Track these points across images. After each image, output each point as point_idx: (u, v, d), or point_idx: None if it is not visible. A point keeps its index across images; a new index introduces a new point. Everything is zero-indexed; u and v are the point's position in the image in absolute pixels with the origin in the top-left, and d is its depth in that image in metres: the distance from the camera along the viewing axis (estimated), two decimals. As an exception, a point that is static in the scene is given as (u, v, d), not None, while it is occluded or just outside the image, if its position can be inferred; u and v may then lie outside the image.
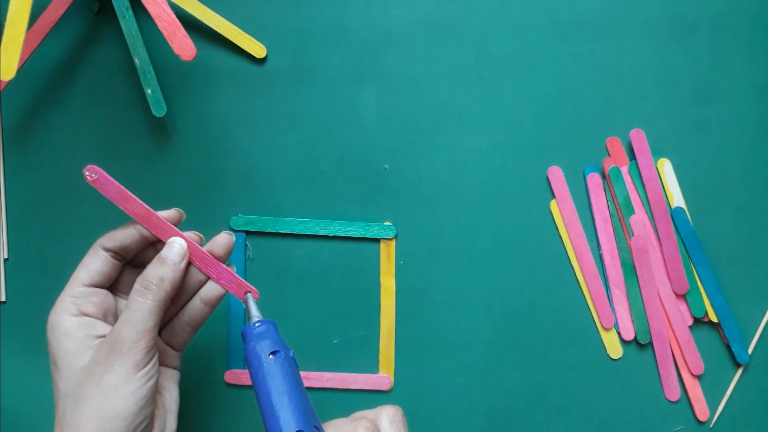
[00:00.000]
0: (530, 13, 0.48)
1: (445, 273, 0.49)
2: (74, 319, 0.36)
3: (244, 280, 0.39)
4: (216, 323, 0.49)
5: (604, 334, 0.48)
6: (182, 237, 0.39)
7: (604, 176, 0.48)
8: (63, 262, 0.49)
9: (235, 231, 0.48)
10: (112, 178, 0.38)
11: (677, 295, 0.48)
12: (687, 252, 0.48)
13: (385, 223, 0.48)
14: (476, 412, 0.49)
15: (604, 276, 0.48)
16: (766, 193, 0.48)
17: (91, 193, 0.49)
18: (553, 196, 0.48)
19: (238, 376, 0.48)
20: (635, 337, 0.48)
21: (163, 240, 0.38)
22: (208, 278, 0.40)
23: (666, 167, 0.48)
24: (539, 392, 0.49)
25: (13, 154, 0.49)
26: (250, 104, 0.49)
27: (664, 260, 0.48)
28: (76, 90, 0.49)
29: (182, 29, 0.42)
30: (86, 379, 0.34)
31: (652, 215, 0.48)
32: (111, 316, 0.38)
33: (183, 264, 0.38)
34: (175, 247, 0.38)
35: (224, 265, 0.40)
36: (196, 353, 0.49)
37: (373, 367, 0.49)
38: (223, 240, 0.40)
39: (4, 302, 0.49)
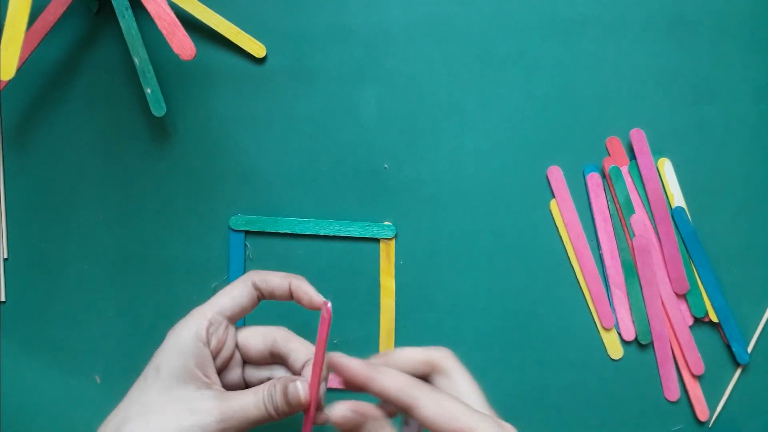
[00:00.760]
0: (530, 13, 0.48)
1: (445, 273, 0.49)
2: (197, 345, 0.36)
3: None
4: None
5: (604, 335, 0.48)
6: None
7: (604, 176, 0.48)
8: (63, 262, 0.49)
9: (234, 231, 0.48)
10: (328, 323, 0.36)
11: (677, 295, 0.48)
12: (687, 252, 0.48)
13: (384, 223, 0.48)
14: (476, 412, 0.49)
15: (605, 276, 0.48)
16: (766, 193, 0.48)
17: (90, 193, 0.49)
18: (553, 196, 0.48)
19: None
20: (636, 338, 0.48)
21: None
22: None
23: (666, 167, 0.48)
24: (539, 392, 0.49)
25: (12, 154, 0.49)
26: (249, 104, 0.49)
27: (665, 260, 0.48)
28: (75, 90, 0.49)
29: (182, 29, 0.42)
30: (178, 408, 0.34)
31: (652, 215, 0.48)
32: (219, 354, 0.38)
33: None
34: (300, 396, 0.36)
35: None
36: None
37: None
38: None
39: (4, 302, 0.49)
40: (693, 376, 0.48)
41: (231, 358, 0.39)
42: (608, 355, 0.49)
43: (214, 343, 0.37)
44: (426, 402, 0.31)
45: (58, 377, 0.49)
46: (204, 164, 0.49)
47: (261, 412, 0.35)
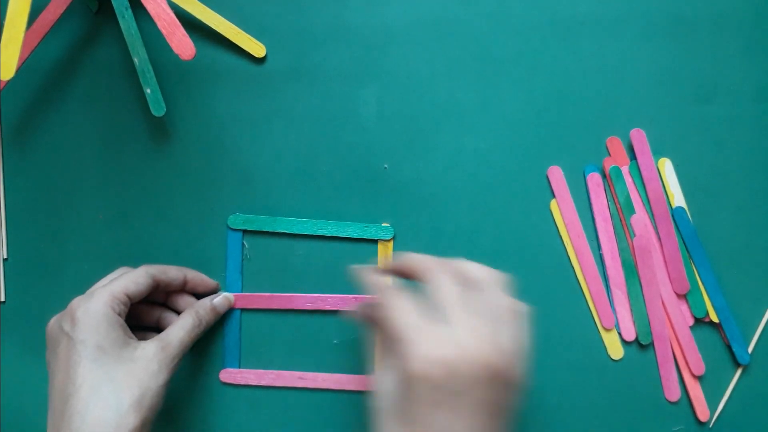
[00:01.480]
0: (530, 13, 0.48)
1: (445, 273, 0.48)
2: (117, 318, 0.40)
3: None
4: (215, 323, 0.49)
5: (604, 335, 0.48)
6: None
7: (604, 176, 0.48)
8: (63, 262, 0.49)
9: (232, 230, 0.48)
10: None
11: (678, 295, 0.48)
12: (688, 252, 0.48)
13: (383, 225, 0.48)
14: (476, 413, 0.49)
15: (605, 276, 0.48)
16: (766, 193, 0.48)
17: (90, 193, 0.49)
18: (554, 196, 0.48)
19: (234, 375, 0.48)
20: (636, 338, 0.48)
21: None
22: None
23: (667, 167, 0.48)
24: (539, 392, 0.49)
25: (12, 154, 0.49)
26: (249, 104, 0.49)
27: (665, 260, 0.48)
28: (75, 90, 0.49)
29: (181, 29, 0.42)
30: (135, 368, 0.39)
31: (652, 215, 0.48)
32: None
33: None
34: (226, 304, 0.48)
35: None
36: (191, 353, 0.49)
37: (371, 368, 0.49)
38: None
39: (4, 302, 0.49)
40: (693, 376, 0.48)
41: None
42: (608, 356, 0.48)
43: (122, 318, 0.42)
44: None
45: (58, 377, 0.49)
46: (203, 164, 0.49)
47: (192, 333, 0.43)
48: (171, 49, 0.42)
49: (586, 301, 0.48)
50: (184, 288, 0.46)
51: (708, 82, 0.48)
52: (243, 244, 0.49)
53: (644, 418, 0.48)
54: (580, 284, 0.48)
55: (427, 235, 0.49)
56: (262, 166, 0.49)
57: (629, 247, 0.48)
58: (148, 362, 0.40)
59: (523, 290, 0.49)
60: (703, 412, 0.48)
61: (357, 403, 0.49)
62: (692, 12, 0.48)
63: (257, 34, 0.48)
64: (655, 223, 0.48)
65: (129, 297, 0.42)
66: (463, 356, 0.32)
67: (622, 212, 0.48)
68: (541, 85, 0.48)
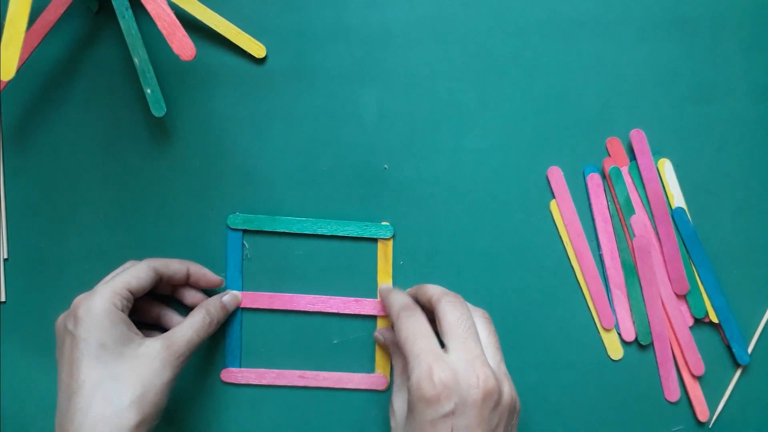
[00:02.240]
0: (530, 13, 0.48)
1: (445, 273, 0.49)
2: (121, 314, 0.40)
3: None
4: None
5: (604, 335, 0.48)
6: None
7: (604, 176, 0.48)
8: (63, 262, 0.49)
9: (232, 230, 0.48)
10: None
11: (678, 296, 0.48)
12: (687, 252, 0.48)
13: (382, 223, 0.48)
14: (476, 413, 0.49)
15: (605, 277, 0.48)
16: (766, 193, 0.48)
17: (90, 193, 0.49)
18: (553, 196, 0.48)
19: (234, 374, 0.48)
20: (636, 338, 0.48)
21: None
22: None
23: (666, 167, 0.48)
24: (539, 392, 0.49)
25: (12, 154, 0.49)
26: (249, 104, 0.49)
27: (665, 261, 0.48)
28: (75, 90, 0.49)
29: (182, 29, 0.42)
30: (146, 369, 0.40)
31: (652, 215, 0.48)
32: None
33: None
34: (235, 302, 0.48)
35: None
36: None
37: (371, 367, 0.49)
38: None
39: (4, 302, 0.49)
40: (693, 376, 0.48)
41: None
42: (608, 356, 0.48)
43: (126, 314, 0.41)
44: (401, 322, 0.40)
45: (58, 377, 0.49)
46: (203, 164, 0.49)
47: (200, 332, 0.43)
48: (171, 50, 0.42)
49: (586, 302, 0.49)
50: (188, 282, 0.46)
51: (708, 82, 0.48)
52: (243, 244, 0.49)
53: (644, 418, 0.48)
54: (579, 284, 0.48)
55: (427, 234, 0.49)
56: (262, 166, 0.49)
57: (629, 248, 0.48)
58: (152, 360, 0.40)
59: (523, 290, 0.49)
60: (702, 412, 0.48)
61: (358, 402, 0.49)
62: (692, 12, 0.48)
63: (257, 35, 0.48)
64: (654, 223, 0.48)
65: (131, 292, 0.41)
66: (455, 379, 0.35)
67: (621, 213, 0.48)
68: (540, 85, 0.48)
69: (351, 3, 0.48)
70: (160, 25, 0.42)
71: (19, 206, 0.49)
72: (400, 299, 0.42)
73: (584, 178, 0.48)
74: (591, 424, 0.48)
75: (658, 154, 0.48)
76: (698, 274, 0.48)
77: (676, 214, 0.48)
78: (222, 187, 0.49)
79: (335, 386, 0.48)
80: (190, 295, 0.47)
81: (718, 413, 0.48)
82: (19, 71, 0.48)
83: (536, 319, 0.49)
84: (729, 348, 0.48)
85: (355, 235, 0.48)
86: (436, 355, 0.37)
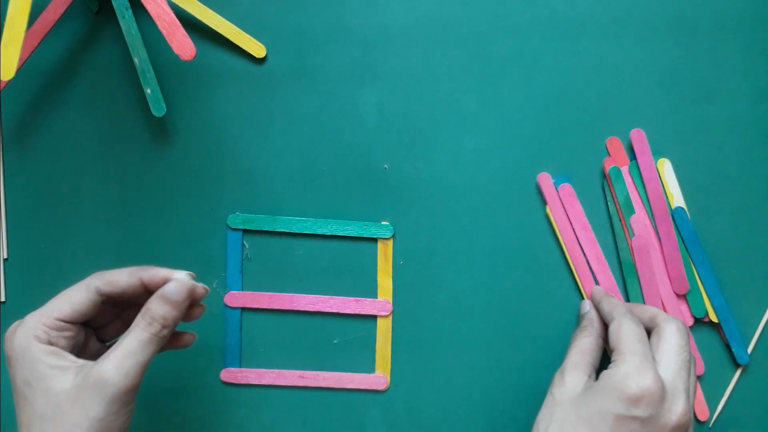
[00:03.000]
0: (530, 13, 0.48)
1: (445, 273, 0.49)
2: (43, 346, 0.35)
3: None
4: (211, 322, 0.49)
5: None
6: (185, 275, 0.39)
7: (604, 176, 0.48)
8: (63, 262, 0.49)
9: (232, 229, 0.48)
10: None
11: (677, 296, 0.48)
12: (687, 252, 0.48)
13: (382, 223, 0.48)
14: (474, 413, 0.49)
15: (596, 281, 0.48)
16: (766, 193, 0.48)
17: (90, 193, 0.49)
18: (545, 203, 0.48)
19: (234, 374, 0.48)
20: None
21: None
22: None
23: (666, 167, 0.48)
24: (539, 393, 0.49)
25: (12, 154, 0.49)
26: (249, 104, 0.49)
27: (665, 260, 0.48)
28: (75, 90, 0.49)
29: (182, 29, 0.42)
30: (70, 405, 0.34)
31: (652, 215, 0.48)
32: (77, 349, 0.38)
33: (186, 303, 0.38)
34: (181, 288, 0.37)
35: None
36: (192, 353, 0.49)
37: (371, 367, 0.49)
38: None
39: (4, 302, 0.49)
40: (693, 376, 0.48)
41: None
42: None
43: (64, 343, 0.36)
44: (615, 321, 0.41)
45: (58, 377, 0.49)
46: (203, 164, 0.49)
47: (144, 338, 0.36)
48: (171, 50, 0.42)
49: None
50: (149, 292, 0.38)
51: (708, 83, 0.48)
52: (243, 244, 0.49)
53: (644, 418, 0.48)
54: (577, 284, 0.48)
55: (427, 234, 0.49)
56: (262, 166, 0.49)
57: (629, 247, 0.48)
58: (76, 396, 0.34)
59: (522, 290, 0.49)
60: (702, 411, 0.48)
61: (358, 402, 0.49)
62: (692, 12, 0.48)
63: (257, 35, 0.48)
64: (654, 223, 0.48)
65: (64, 320, 0.36)
66: (661, 395, 0.37)
67: (621, 212, 0.48)
68: (540, 85, 0.48)
69: (351, 3, 0.48)
70: (160, 25, 0.42)
71: (19, 206, 0.49)
72: (626, 305, 0.44)
73: (556, 189, 0.48)
74: (591, 423, 0.48)
75: (658, 153, 0.48)
76: (698, 274, 0.48)
77: (675, 214, 0.48)
78: (222, 187, 0.49)
79: (335, 386, 0.48)
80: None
81: (718, 413, 0.48)
82: (19, 71, 0.48)
83: (536, 319, 0.49)
84: (729, 348, 0.48)
85: (355, 234, 0.48)
86: (651, 364, 0.38)
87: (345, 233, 0.48)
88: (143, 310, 0.37)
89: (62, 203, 0.49)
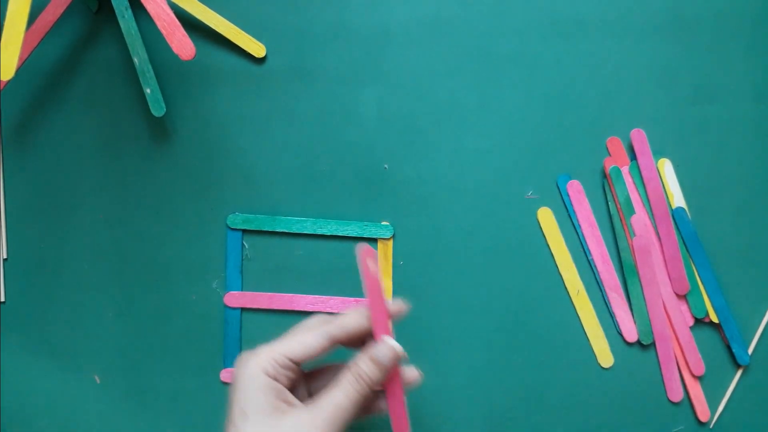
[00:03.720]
0: (530, 13, 0.48)
1: (445, 273, 0.49)
2: (269, 380, 0.36)
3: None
4: (211, 322, 0.49)
5: (594, 341, 0.48)
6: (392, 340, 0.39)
7: (604, 176, 0.48)
8: (63, 262, 0.49)
9: (232, 230, 0.48)
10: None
11: (678, 296, 0.48)
12: (688, 252, 0.48)
13: (382, 223, 0.48)
14: (475, 413, 0.49)
15: (598, 281, 0.48)
16: (766, 193, 0.48)
17: (90, 193, 0.49)
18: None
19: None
20: (638, 339, 0.48)
21: (376, 337, 0.38)
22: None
23: (666, 167, 0.48)
24: (539, 393, 0.49)
25: (12, 154, 0.49)
26: (249, 104, 0.49)
27: (665, 260, 0.48)
28: (75, 89, 0.49)
29: (181, 29, 0.42)
30: None
31: (652, 215, 0.48)
32: (296, 387, 0.39)
33: (392, 367, 0.38)
34: (386, 349, 0.38)
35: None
36: (191, 353, 0.49)
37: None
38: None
39: (4, 302, 0.49)
40: (694, 376, 0.48)
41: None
42: (610, 356, 0.48)
43: (285, 382, 0.37)
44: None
45: (58, 377, 0.49)
46: (203, 164, 0.49)
47: (352, 395, 0.36)
48: (171, 49, 0.42)
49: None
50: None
51: (708, 82, 0.48)
52: (243, 244, 0.49)
53: (644, 419, 0.48)
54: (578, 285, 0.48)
55: (427, 234, 0.49)
56: (262, 166, 0.49)
57: (629, 247, 0.48)
58: None
59: (523, 290, 0.49)
60: (703, 412, 0.48)
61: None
62: (692, 12, 0.48)
63: (257, 35, 0.48)
64: (655, 223, 0.48)
65: (293, 361, 0.37)
66: None
67: (622, 212, 0.48)
68: (541, 85, 0.48)
69: (351, 3, 0.48)
70: (159, 24, 0.42)
71: (19, 206, 0.49)
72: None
73: (558, 189, 0.48)
74: (591, 424, 0.48)
75: (658, 153, 0.48)
76: (698, 274, 0.48)
77: (676, 214, 0.48)
78: (222, 187, 0.49)
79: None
80: None
81: (719, 413, 0.48)
82: (19, 71, 0.48)
83: (536, 319, 0.49)
84: (729, 348, 0.48)
85: (355, 235, 0.48)
86: None
87: (345, 233, 0.48)
88: (352, 366, 0.37)
89: (62, 203, 0.49)
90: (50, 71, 0.49)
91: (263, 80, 0.49)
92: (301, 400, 0.39)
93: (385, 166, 0.49)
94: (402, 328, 0.49)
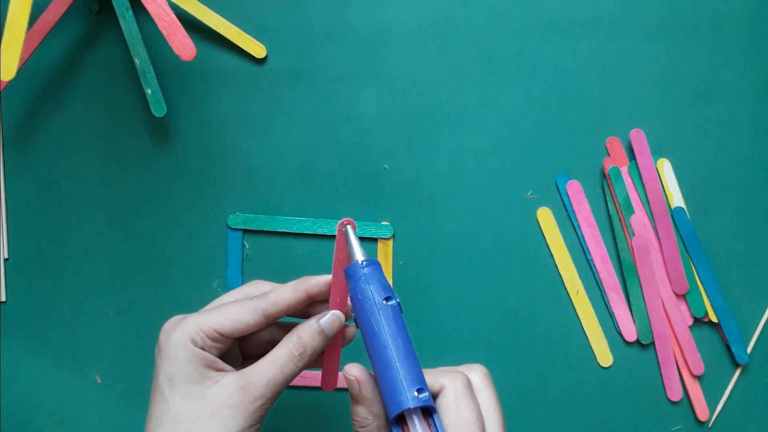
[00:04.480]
0: (530, 13, 0.48)
1: (445, 273, 0.49)
2: (197, 350, 0.35)
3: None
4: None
5: (594, 341, 0.48)
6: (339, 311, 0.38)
7: (604, 176, 0.48)
8: (63, 262, 0.49)
9: (232, 229, 0.48)
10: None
11: (677, 295, 0.48)
12: (687, 252, 0.48)
13: (382, 223, 0.48)
14: (476, 412, 0.49)
15: (598, 281, 0.48)
16: (766, 193, 0.48)
17: (91, 193, 0.49)
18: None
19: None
20: (637, 338, 0.48)
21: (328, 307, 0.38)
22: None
23: (666, 167, 0.48)
24: (539, 392, 0.49)
25: (13, 154, 0.49)
26: (249, 104, 0.49)
27: (664, 260, 0.48)
28: (76, 90, 0.49)
29: (182, 29, 0.42)
30: (211, 417, 0.34)
31: (651, 215, 0.48)
32: (227, 356, 0.38)
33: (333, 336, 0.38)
34: (336, 323, 0.37)
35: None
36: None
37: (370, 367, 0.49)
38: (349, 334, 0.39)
39: (4, 302, 0.49)
40: (693, 376, 0.48)
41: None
42: (608, 356, 0.48)
43: (214, 352, 0.36)
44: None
45: (58, 377, 0.49)
46: (203, 164, 0.49)
47: (290, 368, 0.35)
48: (172, 50, 0.42)
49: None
50: (312, 304, 0.39)
51: (708, 83, 0.48)
52: (243, 244, 0.49)
53: (644, 418, 0.48)
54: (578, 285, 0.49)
55: (427, 234, 0.49)
56: (262, 166, 0.49)
57: (629, 247, 0.48)
58: (220, 404, 0.34)
59: (523, 290, 0.49)
60: (702, 411, 0.48)
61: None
62: (692, 12, 0.48)
63: (258, 35, 0.48)
64: (654, 223, 0.48)
65: (222, 334, 0.36)
66: None
67: (621, 212, 0.48)
68: (540, 85, 0.48)
69: (351, 3, 0.48)
70: (160, 25, 0.42)
71: (19, 206, 0.49)
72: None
73: (557, 189, 0.48)
74: (591, 423, 0.48)
75: (657, 154, 0.48)
76: (697, 274, 0.48)
77: (675, 214, 0.48)
78: (222, 187, 0.49)
79: (336, 386, 0.48)
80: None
81: (718, 412, 0.48)
82: (20, 71, 0.47)
83: (536, 319, 0.49)
84: (728, 347, 0.48)
85: (355, 235, 0.48)
86: None
87: (345, 233, 0.48)
88: (293, 335, 0.36)
89: (62, 203, 0.49)
90: (51, 71, 0.49)
91: (263, 81, 0.49)
92: (233, 363, 0.38)
93: (385, 166, 0.49)
94: (402, 328, 0.49)
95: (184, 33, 0.42)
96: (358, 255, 0.34)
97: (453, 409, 0.32)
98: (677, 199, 0.48)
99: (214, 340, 0.36)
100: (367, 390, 0.33)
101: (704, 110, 0.48)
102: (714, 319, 0.48)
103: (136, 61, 0.46)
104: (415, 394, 0.30)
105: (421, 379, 0.31)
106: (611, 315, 0.48)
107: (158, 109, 0.46)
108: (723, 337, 0.48)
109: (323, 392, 0.49)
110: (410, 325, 0.48)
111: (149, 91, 0.46)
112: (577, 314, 0.48)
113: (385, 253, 0.48)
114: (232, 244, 0.48)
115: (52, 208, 0.49)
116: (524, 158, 0.49)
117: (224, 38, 0.48)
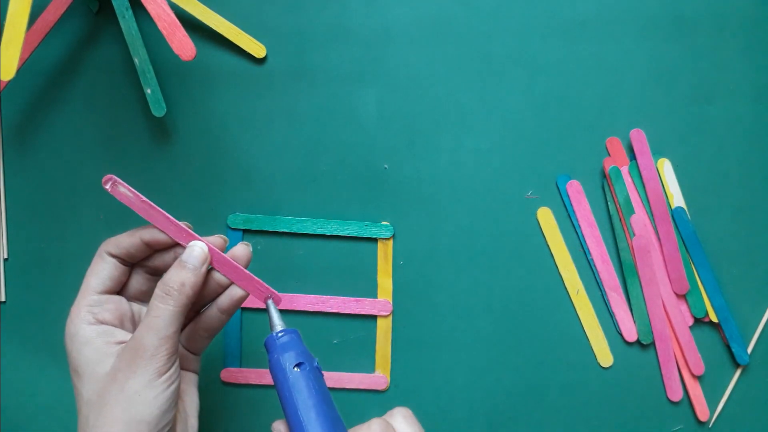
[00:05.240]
0: (530, 13, 0.48)
1: (445, 273, 0.49)
2: (92, 327, 0.35)
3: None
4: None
5: (594, 341, 0.48)
6: (203, 241, 0.38)
7: (604, 176, 0.48)
8: (63, 262, 0.49)
9: (232, 229, 0.48)
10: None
11: (677, 295, 0.48)
12: (687, 252, 0.48)
13: (382, 223, 0.48)
14: (474, 413, 0.49)
15: (598, 281, 0.48)
16: (766, 193, 0.48)
17: (90, 193, 0.49)
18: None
19: (234, 374, 0.48)
20: (638, 338, 0.48)
21: (183, 244, 0.38)
22: (228, 285, 0.39)
23: (666, 167, 0.48)
24: (539, 392, 0.49)
25: (13, 154, 0.49)
26: (249, 104, 0.49)
27: (665, 260, 0.48)
28: (75, 90, 0.49)
29: (182, 29, 0.42)
30: (109, 385, 0.34)
31: (652, 215, 0.48)
32: (128, 322, 0.38)
33: (204, 268, 0.37)
34: (196, 250, 0.37)
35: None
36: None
37: (371, 367, 0.49)
38: (240, 251, 0.40)
39: (4, 302, 0.49)
40: (693, 376, 0.48)
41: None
42: (608, 356, 0.48)
43: (110, 316, 0.36)
44: None
45: (58, 377, 0.49)
46: (204, 164, 0.49)
47: (165, 313, 0.35)
48: (171, 50, 0.42)
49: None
50: (152, 250, 0.38)
51: (708, 82, 0.48)
52: (243, 244, 0.49)
53: (644, 418, 0.48)
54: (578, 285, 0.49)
55: (427, 234, 0.49)
56: (262, 166, 0.49)
57: (629, 247, 0.48)
58: (124, 374, 0.34)
59: (523, 290, 0.49)
60: (702, 411, 0.48)
61: (358, 402, 0.49)
62: (692, 12, 0.48)
63: (257, 35, 0.48)
64: (654, 223, 0.48)
65: (99, 292, 0.36)
66: None
67: (621, 212, 0.48)
68: (540, 85, 0.48)
69: (351, 3, 0.48)
70: (160, 25, 0.42)
71: (19, 206, 0.49)
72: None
73: (558, 189, 0.48)
74: (591, 423, 0.48)
75: (657, 153, 0.48)
76: (698, 274, 0.48)
77: (675, 214, 0.48)
78: (222, 187, 0.49)
79: (335, 386, 0.48)
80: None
81: (718, 413, 0.48)
82: (19, 71, 0.48)
83: (536, 319, 0.49)
84: (728, 348, 0.48)
85: (355, 235, 0.48)
86: None
87: (345, 233, 0.48)
88: (159, 285, 0.36)
89: (62, 203, 0.49)
90: (51, 71, 0.49)
91: (263, 80, 0.49)
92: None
93: (385, 166, 0.49)
94: (402, 328, 0.49)
95: (184, 33, 0.42)
96: (276, 326, 0.37)
97: None
98: (677, 199, 0.48)
99: (99, 304, 0.36)
100: None
101: (705, 110, 0.48)
102: (714, 319, 0.48)
103: (136, 60, 0.46)
104: None
105: None
106: (611, 315, 0.48)
107: (158, 109, 0.46)
108: (723, 338, 0.48)
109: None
110: (410, 325, 0.49)
111: (149, 91, 0.46)
112: (577, 314, 0.48)
113: (385, 253, 0.48)
114: (232, 244, 0.48)
115: (52, 208, 0.49)
116: (524, 158, 0.48)
117: (224, 38, 0.48)
